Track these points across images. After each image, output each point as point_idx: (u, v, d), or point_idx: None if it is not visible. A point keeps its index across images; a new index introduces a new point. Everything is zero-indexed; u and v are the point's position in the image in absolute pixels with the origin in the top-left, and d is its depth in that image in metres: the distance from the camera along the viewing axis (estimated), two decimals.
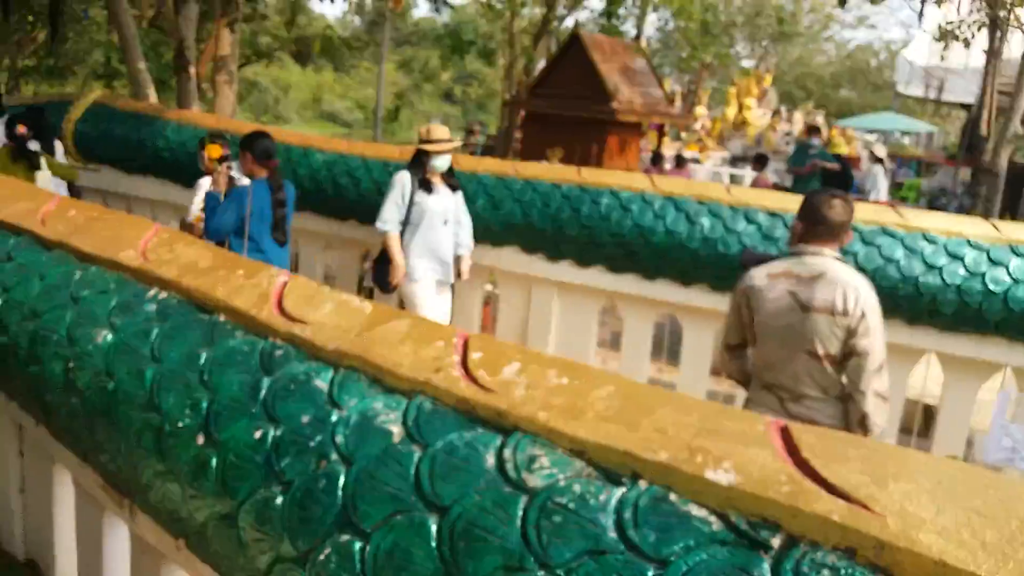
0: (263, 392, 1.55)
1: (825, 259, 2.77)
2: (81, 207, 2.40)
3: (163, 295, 1.91)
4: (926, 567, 0.87)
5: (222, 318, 1.78)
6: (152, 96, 8.57)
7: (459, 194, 4.93)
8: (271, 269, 1.89)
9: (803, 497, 0.97)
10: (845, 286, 2.70)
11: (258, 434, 1.48)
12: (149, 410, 1.66)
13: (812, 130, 10.62)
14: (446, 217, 4.83)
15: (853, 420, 2.76)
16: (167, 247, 2.06)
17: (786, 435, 1.09)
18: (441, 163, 4.76)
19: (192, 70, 8.84)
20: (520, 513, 1.14)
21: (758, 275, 2.86)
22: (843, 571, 0.91)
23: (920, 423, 4.99)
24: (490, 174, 5.23)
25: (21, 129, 6.18)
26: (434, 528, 1.20)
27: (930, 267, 4.07)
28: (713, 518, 1.03)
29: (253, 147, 4.31)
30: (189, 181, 6.41)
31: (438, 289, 4.96)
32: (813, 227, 2.80)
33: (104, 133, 6.99)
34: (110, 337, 1.85)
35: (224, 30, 8.62)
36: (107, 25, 18.43)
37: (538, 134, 12.76)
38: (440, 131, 4.80)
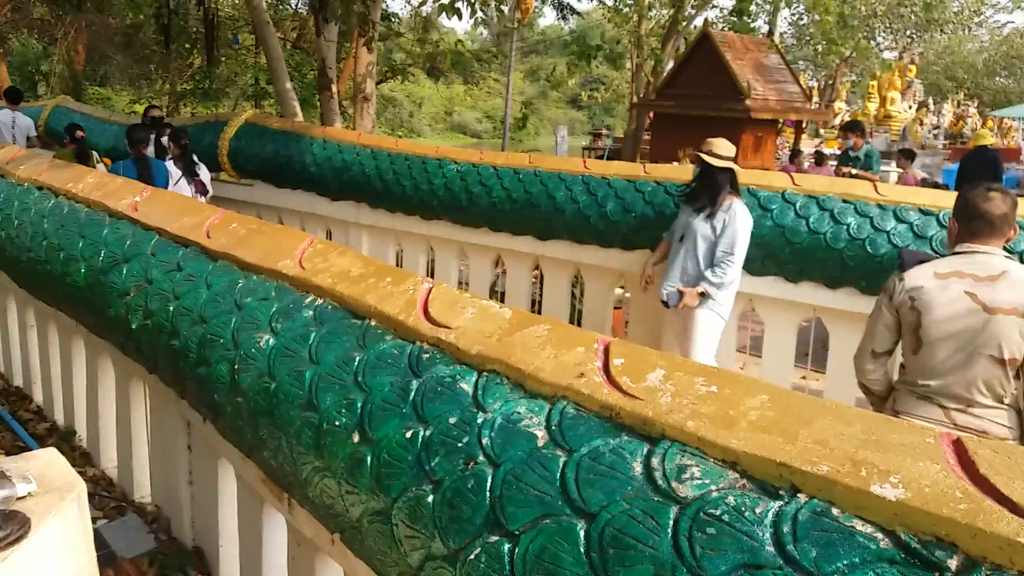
0: (413, 393, 1.61)
1: (1001, 257, 2.57)
2: (242, 220, 2.59)
3: (319, 302, 2.02)
4: None
5: (373, 323, 1.86)
6: (298, 114, 9.11)
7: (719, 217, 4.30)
8: (416, 277, 1.97)
9: (983, 516, 0.90)
10: None
11: (409, 433, 1.54)
12: (308, 409, 1.76)
13: (851, 128, 9.06)
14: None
15: None
16: (322, 257, 2.18)
17: (959, 448, 1.02)
18: None
19: (334, 88, 9.33)
20: (671, 523, 1.13)
21: (922, 276, 2.63)
22: None
23: None
24: (619, 177, 5.19)
25: (80, 133, 7.17)
26: (582, 534, 1.20)
27: None
28: (880, 535, 0.98)
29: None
30: (334, 194, 6.80)
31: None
32: (972, 223, 2.60)
33: (256, 150, 7.50)
34: (272, 341, 1.98)
35: (362, 49, 9.03)
36: (254, 48, 19.84)
37: (668, 135, 12.56)
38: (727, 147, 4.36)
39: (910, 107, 22.35)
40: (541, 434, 1.39)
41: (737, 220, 4.17)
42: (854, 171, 8.08)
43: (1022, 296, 2.46)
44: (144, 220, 2.94)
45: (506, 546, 1.28)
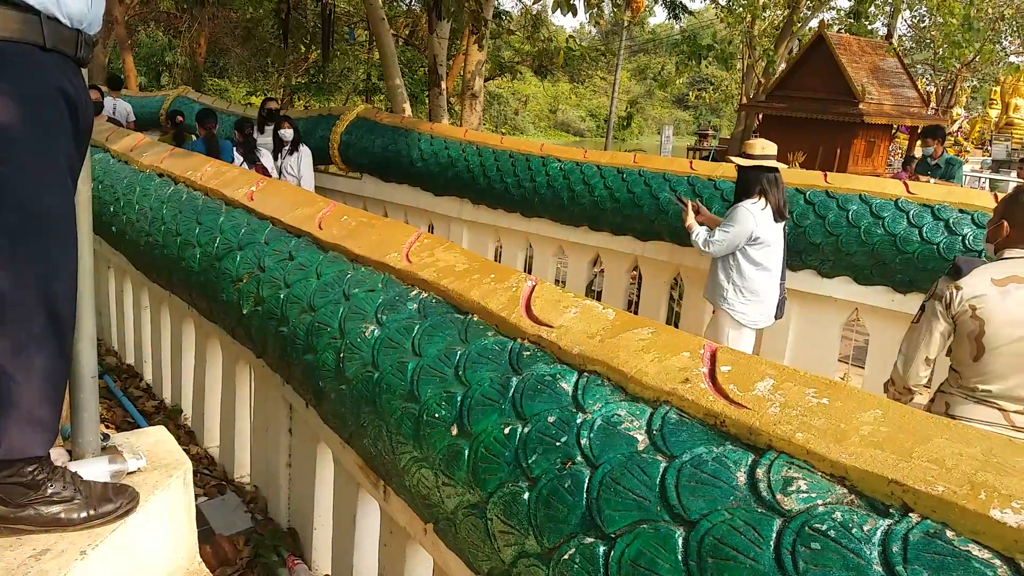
0: (512, 390, 1.63)
1: None
2: (353, 213, 2.69)
3: (424, 295, 2.08)
4: None
5: (476, 318, 1.90)
6: (407, 110, 9.33)
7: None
8: (520, 274, 1.99)
9: None
10: None
11: (507, 429, 1.56)
12: (409, 400, 1.81)
13: (930, 134, 7.85)
14: None
15: None
16: (428, 251, 2.23)
17: None
18: None
19: (443, 85, 9.50)
20: (774, 536, 1.10)
21: (980, 284, 2.59)
22: None
23: None
24: (726, 179, 5.07)
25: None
26: (680, 541, 1.19)
27: None
28: (998, 561, 0.92)
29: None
30: (439, 189, 6.94)
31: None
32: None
33: (365, 144, 7.74)
34: (377, 332, 2.04)
35: (473, 47, 9.16)
36: (368, 44, 20.45)
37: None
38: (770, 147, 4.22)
39: None
40: (642, 438, 1.38)
41: (731, 213, 4.09)
42: (932, 180, 7.39)
43: None
44: (259, 209, 3.09)
45: (601, 548, 1.27)
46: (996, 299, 2.56)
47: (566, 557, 1.32)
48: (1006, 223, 2.64)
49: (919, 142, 6.48)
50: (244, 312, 2.73)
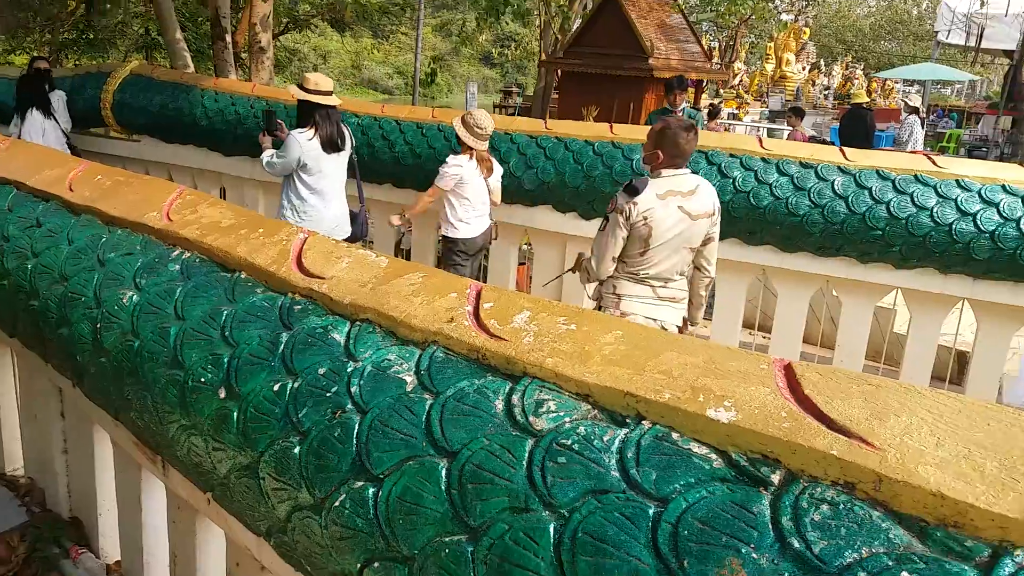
0: (282, 346, 1.58)
1: (693, 176, 3.41)
2: (108, 172, 2.46)
3: (187, 255, 1.95)
4: (924, 499, 0.85)
5: (244, 275, 1.81)
6: (189, 66, 8.66)
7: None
8: (291, 227, 1.92)
9: (803, 433, 0.96)
10: (711, 192, 3.45)
11: (277, 387, 1.51)
12: (173, 367, 1.71)
13: (671, 86, 7.48)
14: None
15: (702, 285, 3.64)
16: (191, 208, 2.09)
17: (789, 373, 1.08)
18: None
19: (228, 39, 8.90)
20: (526, 455, 1.15)
21: (649, 199, 3.31)
22: (842, 506, 0.90)
23: (953, 370, 4.89)
24: (522, 132, 5.19)
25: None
26: (444, 472, 1.22)
27: (964, 214, 3.95)
28: (714, 455, 1.03)
29: None
30: (228, 148, 6.53)
31: None
32: (674, 150, 3.33)
33: (143, 103, 7.10)
34: (136, 297, 1.90)
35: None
36: None
37: (575, 93, 12.60)
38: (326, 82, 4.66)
39: (803, 68, 23.14)
40: (410, 379, 1.39)
41: (285, 140, 4.59)
42: None
43: (709, 204, 3.40)
44: (1, 174, 2.75)
45: (371, 490, 1.28)
46: (659, 210, 3.31)
47: (337, 504, 1.31)
48: (660, 151, 3.35)
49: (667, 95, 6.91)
50: None
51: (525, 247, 6.08)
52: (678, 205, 3.33)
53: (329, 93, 4.58)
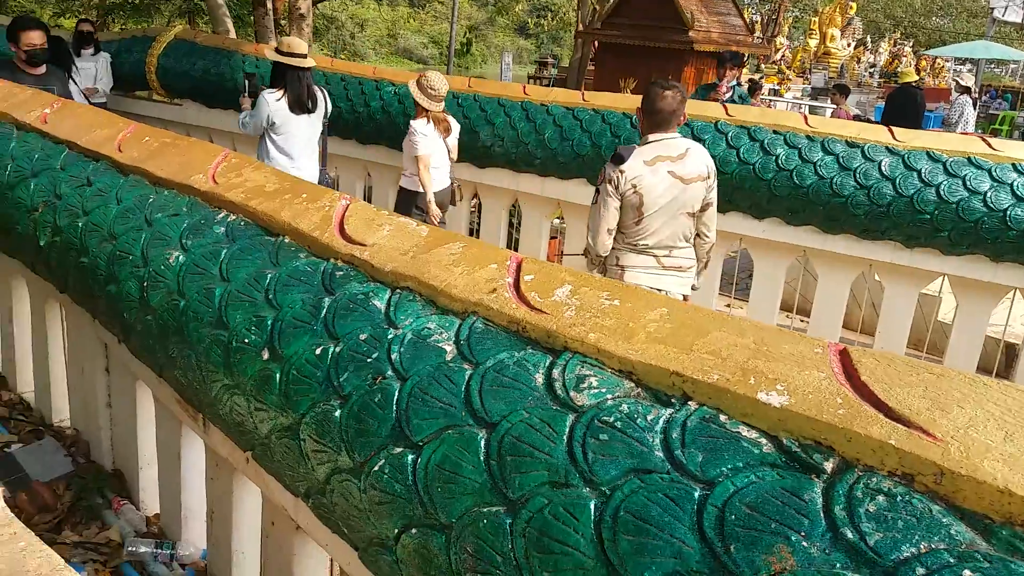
0: (324, 311, 1.58)
1: (681, 139, 3.35)
2: (155, 133, 2.47)
3: (232, 218, 1.96)
4: (990, 495, 0.82)
5: (287, 240, 1.81)
6: (231, 31, 8.67)
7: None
8: (334, 193, 1.91)
9: (859, 421, 0.93)
10: (703, 155, 3.35)
11: (319, 350, 1.52)
12: (218, 327, 1.72)
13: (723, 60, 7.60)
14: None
15: (704, 249, 3.55)
16: (236, 172, 2.10)
17: (845, 358, 1.05)
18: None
19: (269, 5, 8.89)
20: (567, 431, 1.14)
21: (637, 166, 3.27)
22: (899, 497, 0.87)
23: (1001, 362, 4.77)
24: (559, 104, 5.13)
25: None
26: (483, 443, 1.21)
27: (1020, 200, 3.82)
28: (764, 440, 1.00)
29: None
30: None
31: None
32: (656, 117, 3.30)
33: (186, 68, 7.14)
34: (182, 258, 1.91)
35: None
36: None
37: (612, 65, 12.42)
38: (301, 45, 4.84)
39: (849, 44, 22.53)
40: (450, 348, 1.38)
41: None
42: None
43: (701, 167, 3.30)
44: (54, 133, 2.78)
45: (410, 457, 1.28)
46: (648, 176, 3.25)
47: (376, 468, 1.31)
48: (642, 116, 3.34)
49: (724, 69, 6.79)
50: (42, 244, 2.49)
51: (557, 221, 6.03)
52: (668, 170, 3.26)
53: (302, 56, 4.75)
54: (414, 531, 1.26)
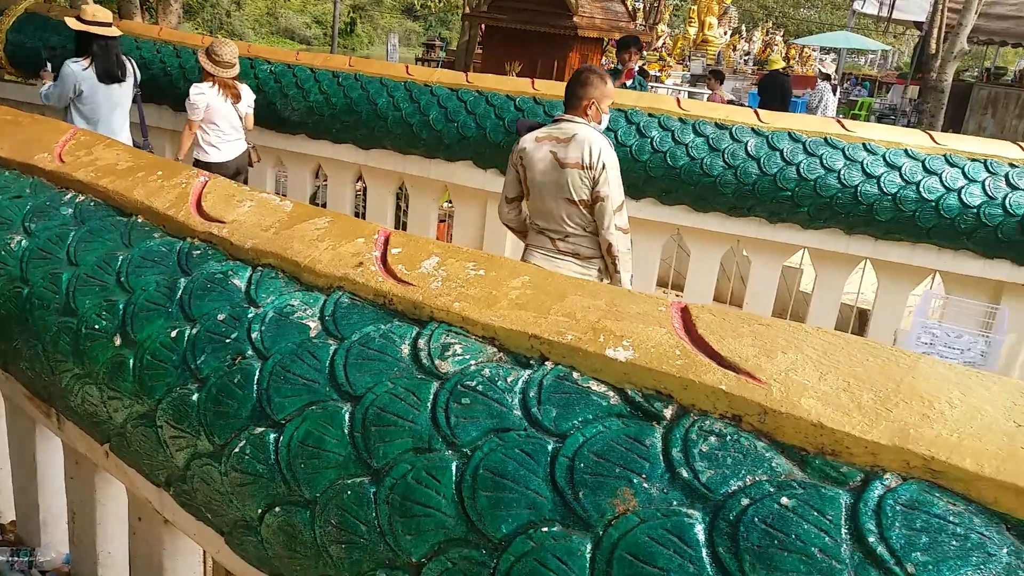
0: (180, 292, 1.53)
1: (575, 124, 3.33)
2: None
3: (80, 199, 1.85)
4: (805, 429, 0.89)
5: (140, 220, 1.73)
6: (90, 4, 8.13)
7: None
8: (192, 170, 1.84)
9: (694, 370, 0.99)
10: (590, 144, 3.25)
11: (174, 333, 1.47)
12: (66, 314, 1.62)
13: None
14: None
15: (603, 248, 3.40)
16: (85, 150, 1.98)
17: (685, 315, 1.11)
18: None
19: None
20: (431, 398, 1.15)
21: (528, 140, 3.38)
22: (729, 437, 0.93)
23: (855, 327, 5.15)
24: (442, 84, 5.10)
25: None
26: (347, 416, 1.21)
27: (869, 176, 4.13)
28: (612, 393, 1.05)
29: None
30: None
31: None
32: (567, 99, 3.37)
33: (39, 44, 6.63)
34: (25, 242, 1.79)
35: None
36: None
37: (499, 49, 12.46)
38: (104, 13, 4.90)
39: (725, 33, 23.50)
40: (314, 325, 1.37)
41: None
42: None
43: (581, 154, 3.25)
44: None
45: (271, 436, 1.26)
46: (532, 152, 3.34)
47: (236, 450, 1.29)
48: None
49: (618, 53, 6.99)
50: None
51: (447, 204, 6.03)
52: (550, 149, 3.30)
53: (108, 24, 4.83)
54: (278, 509, 1.24)
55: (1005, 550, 0.77)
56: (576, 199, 3.31)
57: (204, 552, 1.87)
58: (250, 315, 1.42)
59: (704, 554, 0.86)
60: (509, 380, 1.12)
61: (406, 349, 1.25)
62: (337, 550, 1.16)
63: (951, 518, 0.80)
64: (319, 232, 1.54)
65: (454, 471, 1.07)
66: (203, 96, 4.90)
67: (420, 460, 1.10)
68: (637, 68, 9.90)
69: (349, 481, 1.16)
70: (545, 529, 0.96)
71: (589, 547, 0.93)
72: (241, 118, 5.15)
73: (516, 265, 1.34)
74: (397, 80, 5.27)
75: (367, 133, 5.28)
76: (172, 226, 1.68)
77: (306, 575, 1.24)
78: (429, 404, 1.15)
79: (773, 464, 0.89)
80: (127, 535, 1.94)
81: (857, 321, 5.15)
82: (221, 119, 5.02)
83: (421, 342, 1.24)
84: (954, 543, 0.78)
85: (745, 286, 5.00)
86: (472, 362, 1.18)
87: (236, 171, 5.14)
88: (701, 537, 0.88)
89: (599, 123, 3.40)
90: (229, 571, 1.53)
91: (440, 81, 5.18)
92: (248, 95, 5.22)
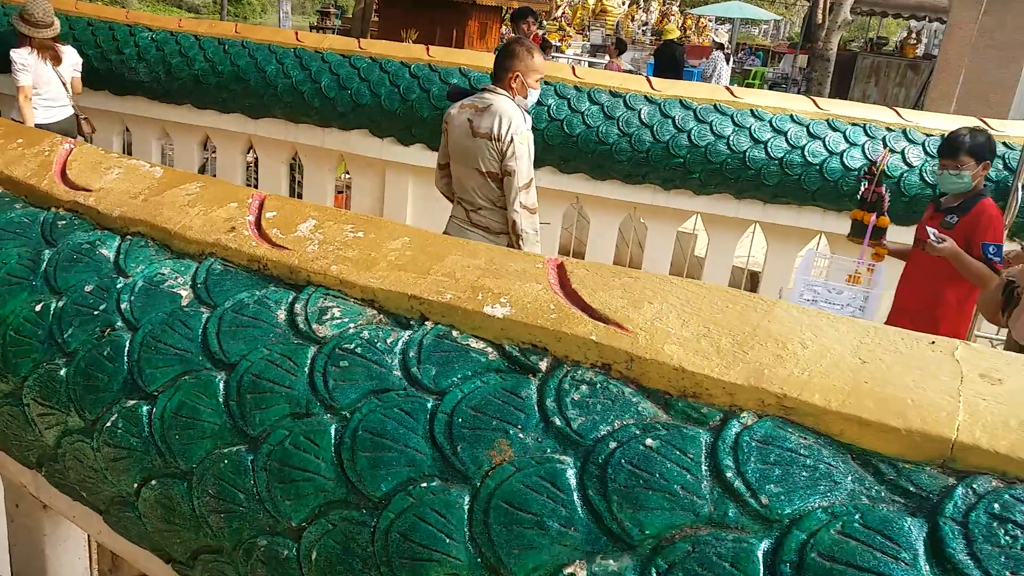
0: (44, 264, 1.44)
1: (495, 95, 3.26)
2: None
3: None
4: (668, 374, 0.93)
5: (0, 190, 1.62)
6: None
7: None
8: (55, 137, 1.73)
9: (567, 322, 1.01)
10: (501, 115, 3.17)
11: (39, 307, 1.39)
12: None
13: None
14: None
15: (508, 225, 3.30)
16: None
17: (561, 271, 1.13)
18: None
19: None
20: (308, 362, 1.14)
21: (453, 107, 3.37)
22: (599, 385, 0.96)
23: (747, 288, 5.39)
24: (334, 51, 4.97)
25: None
26: (222, 384, 1.18)
27: (756, 142, 4.28)
28: (490, 349, 1.06)
29: None
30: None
31: None
32: (494, 71, 3.37)
33: None
34: None
35: None
36: None
37: (395, 16, 12.22)
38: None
39: (623, 3, 23.78)
40: (186, 293, 1.32)
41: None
42: None
43: (491, 125, 3.18)
44: None
45: (144, 408, 1.21)
46: (454, 118, 3.31)
47: (108, 424, 1.23)
48: None
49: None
50: None
51: (347, 175, 5.90)
52: (468, 117, 3.26)
53: (48, 24, 4.86)
54: (154, 483, 1.20)
55: (850, 478, 0.83)
56: (484, 170, 3.24)
57: (89, 537, 1.80)
58: (119, 285, 1.35)
59: (575, 497, 0.89)
60: (388, 341, 1.12)
61: (282, 314, 1.22)
62: (216, 520, 1.14)
63: (802, 451, 0.85)
64: (191, 198, 1.48)
65: (333, 434, 1.06)
66: (27, 67, 4.78)
67: (298, 425, 1.09)
68: (539, 39, 9.92)
69: (226, 450, 1.13)
70: (424, 485, 0.97)
71: (467, 499, 0.94)
72: (65, 83, 4.99)
73: (396, 226, 1.33)
74: (287, 47, 5.09)
75: (256, 102, 5.10)
76: (35, 196, 1.58)
77: (186, 548, 1.22)
78: (306, 369, 1.13)
79: (639, 408, 0.93)
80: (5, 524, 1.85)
81: (749, 283, 5.38)
82: (41, 84, 4.87)
83: (298, 307, 1.21)
84: (804, 474, 0.83)
85: (643, 252, 5.14)
86: (351, 325, 1.16)
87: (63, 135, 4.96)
88: (572, 481, 0.90)
89: (524, 97, 3.31)
90: (115, 554, 1.48)
91: (332, 48, 5.05)
92: (72, 57, 5.06)
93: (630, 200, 4.70)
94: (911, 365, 0.88)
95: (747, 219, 4.61)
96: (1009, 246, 3.46)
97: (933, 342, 0.92)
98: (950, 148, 3.16)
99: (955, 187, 3.19)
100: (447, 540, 0.93)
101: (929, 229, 3.16)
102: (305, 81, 4.94)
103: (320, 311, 1.20)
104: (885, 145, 4.19)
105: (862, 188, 3.48)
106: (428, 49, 4.95)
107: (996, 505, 0.76)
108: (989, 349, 0.94)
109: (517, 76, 3.26)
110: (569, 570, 0.86)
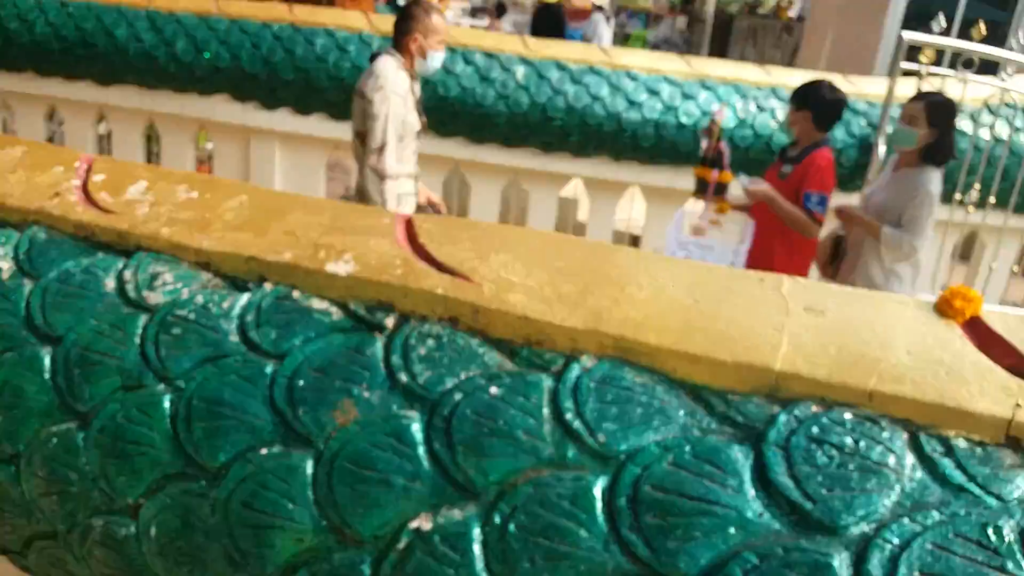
0: None
1: (384, 56, 3.19)
2: None
3: None
4: (512, 323, 0.93)
5: None
6: None
7: None
8: None
9: (413, 277, 0.99)
10: (372, 74, 3.11)
11: None
12: None
13: None
14: None
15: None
16: None
17: (409, 226, 1.10)
18: None
19: None
20: (139, 331, 1.06)
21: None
22: (445, 338, 0.95)
23: None
24: (190, 12, 4.68)
25: None
26: (48, 360, 1.09)
27: (632, 103, 4.35)
28: (334, 309, 1.02)
29: None
30: None
31: None
32: (393, 35, 3.28)
33: None
34: None
35: None
36: None
37: None
38: None
39: None
40: (7, 266, 1.20)
41: None
42: None
43: (363, 82, 3.13)
44: None
45: None
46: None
47: None
48: None
49: None
50: None
51: (210, 145, 5.60)
52: (365, 79, 3.21)
53: None
54: None
55: (683, 412, 0.85)
56: (354, 129, 3.20)
57: None
58: None
59: (421, 452, 0.88)
60: (225, 305, 1.06)
61: (111, 283, 1.14)
62: (49, 503, 1.06)
63: (637, 389, 0.87)
64: (11, 163, 1.35)
65: (167, 405, 1.00)
66: None
67: (130, 398, 1.02)
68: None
69: (54, 429, 1.05)
70: (264, 451, 0.93)
71: (311, 462, 0.91)
72: None
73: (234, 185, 1.26)
74: (137, 8, 4.75)
75: (105, 68, 4.74)
76: None
77: (19, 536, 1.13)
78: (137, 339, 1.06)
79: (485, 359, 0.92)
80: None
81: (631, 245, 5.51)
82: None
83: (127, 274, 1.13)
84: (639, 411, 0.85)
85: (526, 218, 5.15)
86: (184, 290, 1.10)
87: None
88: (418, 436, 0.89)
89: (424, 59, 3.21)
90: None
91: (187, 9, 4.74)
92: None
93: (510, 164, 4.68)
94: (740, 302, 0.91)
95: (626, 181, 4.68)
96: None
97: (762, 279, 0.95)
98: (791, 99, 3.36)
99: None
100: (290, 505, 0.90)
101: (740, 174, 3.33)
102: (159, 45, 4.63)
103: (151, 277, 1.12)
104: (757, 106, 4.34)
105: (703, 145, 3.60)
106: (291, 7, 4.74)
107: (815, 428, 0.80)
108: (814, 283, 0.98)
109: (416, 39, 3.17)
110: (414, 524, 0.85)
